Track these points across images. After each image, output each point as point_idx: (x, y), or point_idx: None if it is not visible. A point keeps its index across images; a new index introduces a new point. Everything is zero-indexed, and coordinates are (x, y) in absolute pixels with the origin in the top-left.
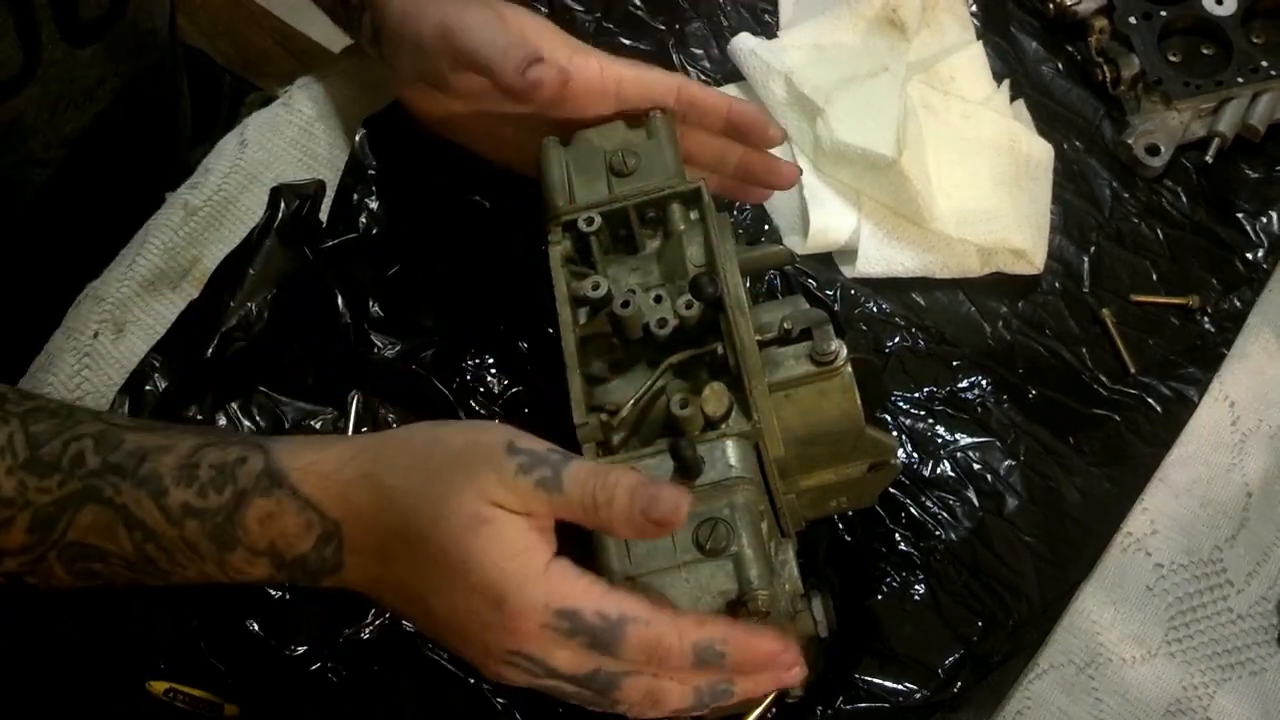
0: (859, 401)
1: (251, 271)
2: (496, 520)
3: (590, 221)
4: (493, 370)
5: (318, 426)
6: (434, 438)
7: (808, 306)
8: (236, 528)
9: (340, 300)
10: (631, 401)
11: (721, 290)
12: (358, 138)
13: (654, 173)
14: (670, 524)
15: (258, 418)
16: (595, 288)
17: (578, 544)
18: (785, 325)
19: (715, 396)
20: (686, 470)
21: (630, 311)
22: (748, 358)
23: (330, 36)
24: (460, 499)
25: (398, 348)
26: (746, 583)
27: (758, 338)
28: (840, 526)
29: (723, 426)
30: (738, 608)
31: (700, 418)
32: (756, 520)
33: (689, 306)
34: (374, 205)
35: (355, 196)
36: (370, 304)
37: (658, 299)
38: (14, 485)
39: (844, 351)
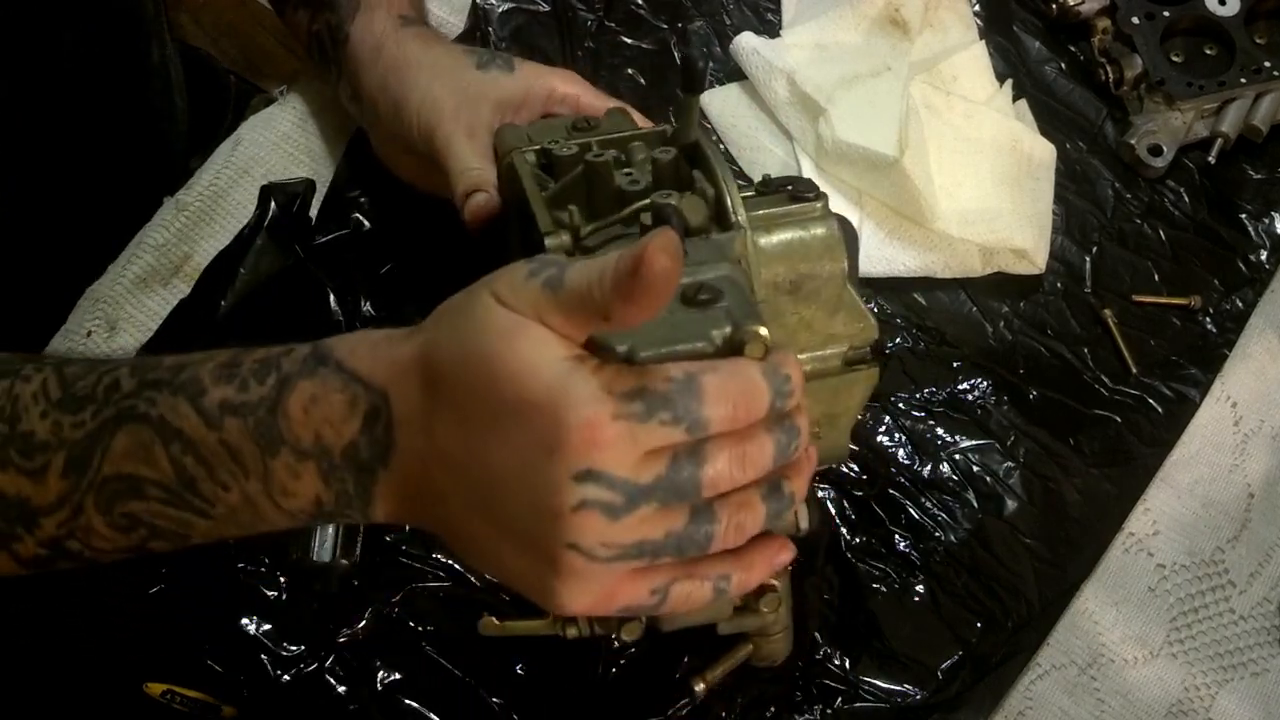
0: (839, 232)
1: (242, 270)
2: (521, 328)
3: (558, 144)
4: None
5: None
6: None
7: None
8: (279, 420)
9: (332, 298)
10: (601, 223)
11: (697, 137)
12: (353, 134)
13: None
14: (667, 268)
15: None
16: (565, 149)
17: None
18: (764, 177)
19: (692, 206)
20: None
21: (602, 158)
22: (728, 185)
23: None
24: (487, 317)
25: None
26: (744, 319)
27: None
28: (840, 526)
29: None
30: (738, 349)
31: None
32: (745, 284)
33: (664, 153)
34: (366, 202)
35: (348, 193)
36: (362, 301)
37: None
38: (48, 427)
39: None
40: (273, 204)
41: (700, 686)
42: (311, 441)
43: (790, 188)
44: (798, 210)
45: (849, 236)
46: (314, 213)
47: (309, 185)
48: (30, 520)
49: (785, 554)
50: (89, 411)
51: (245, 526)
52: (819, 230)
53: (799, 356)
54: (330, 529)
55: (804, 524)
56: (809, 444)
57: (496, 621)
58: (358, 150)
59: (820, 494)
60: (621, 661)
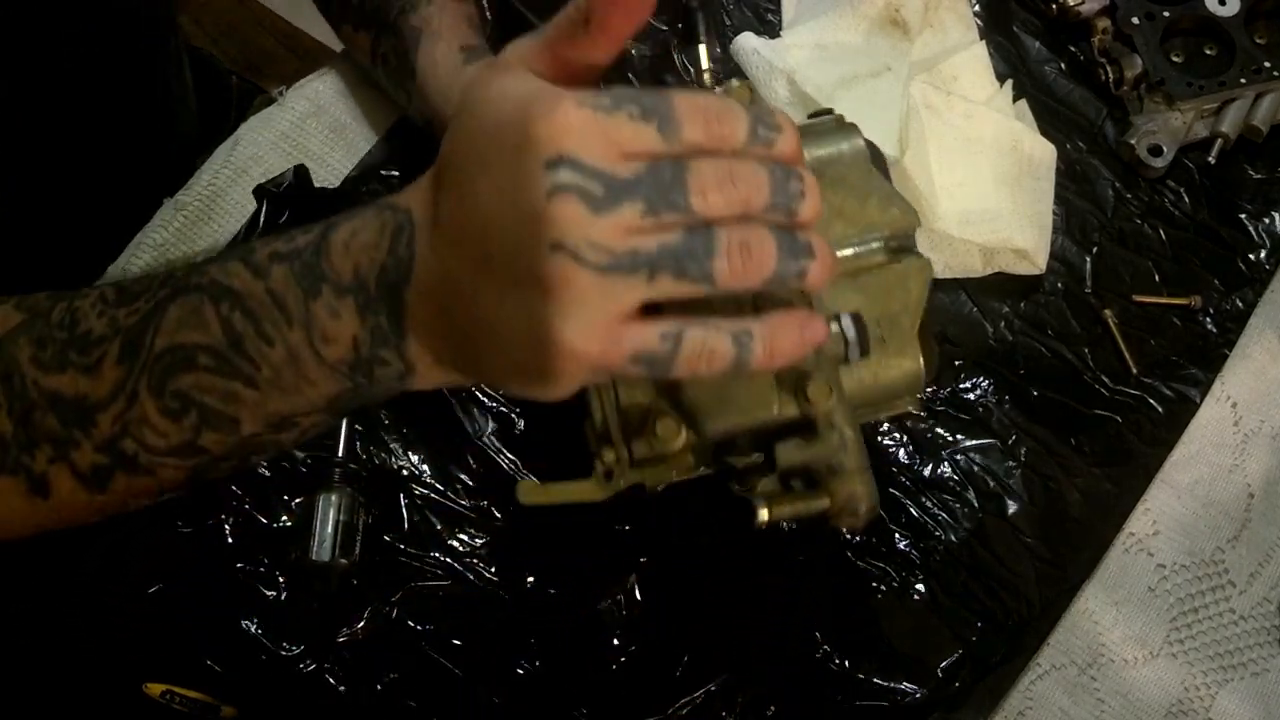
0: (849, 123)
1: None
2: (502, 72)
3: None
4: None
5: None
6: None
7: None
8: (322, 260)
9: None
10: None
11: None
12: (352, 134)
13: None
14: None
15: None
16: None
17: None
18: None
19: None
20: None
21: None
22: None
23: (333, 37)
24: (474, 89)
25: None
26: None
27: None
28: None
29: None
30: None
31: None
32: None
33: None
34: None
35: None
36: None
37: None
38: (105, 323)
39: None
40: (265, 204)
41: (764, 514)
42: (350, 275)
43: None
44: (809, 124)
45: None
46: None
47: (298, 170)
48: (87, 420)
49: (815, 325)
50: (144, 299)
51: (289, 392)
52: (828, 119)
53: (840, 252)
54: (330, 528)
55: (854, 356)
56: (819, 202)
57: (536, 483)
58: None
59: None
60: (622, 659)
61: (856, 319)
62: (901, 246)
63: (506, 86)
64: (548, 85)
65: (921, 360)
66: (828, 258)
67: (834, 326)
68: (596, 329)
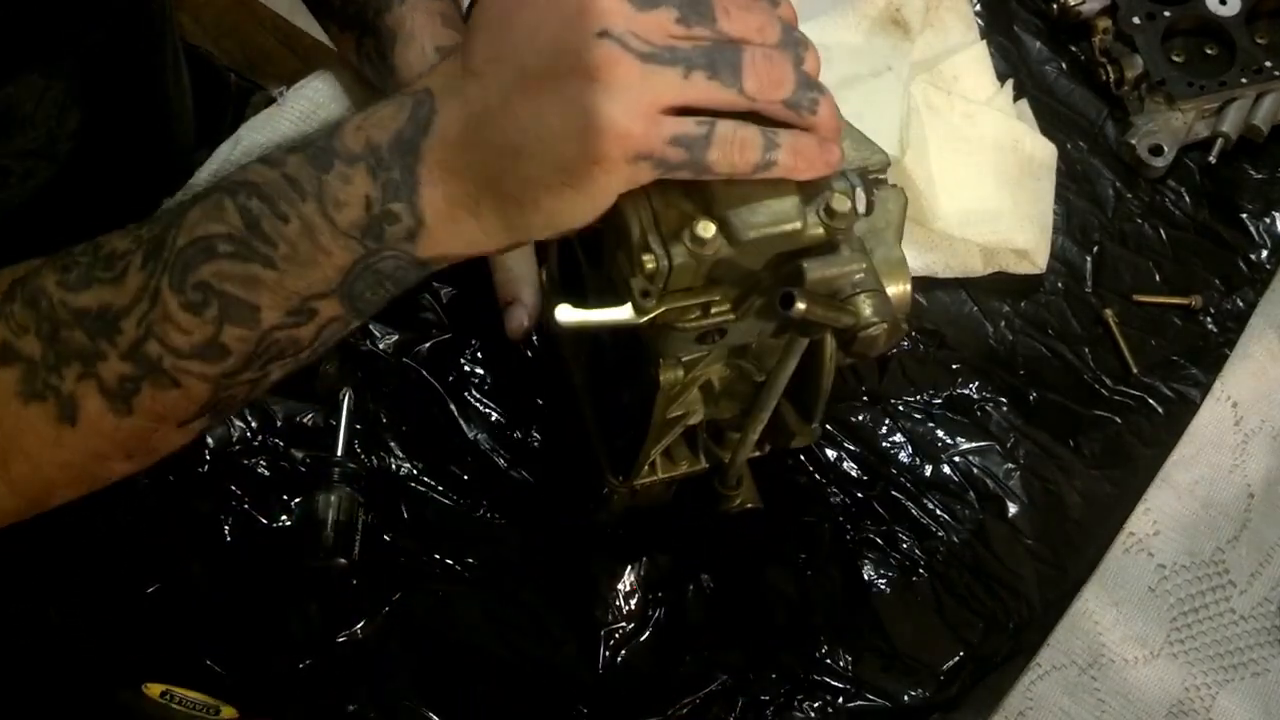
0: None
1: None
2: None
3: None
4: (491, 367)
5: (308, 423)
6: None
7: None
8: (334, 140)
9: None
10: None
11: None
12: None
13: None
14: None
15: (248, 415)
16: None
17: None
18: None
19: None
20: None
21: None
22: None
23: None
24: None
25: (394, 338)
26: None
27: None
28: (843, 523)
29: None
30: None
31: None
32: None
33: None
34: None
35: None
36: None
37: None
38: (129, 240)
39: None
40: None
41: (801, 305)
42: (362, 146)
43: None
44: None
45: None
46: None
47: None
48: (112, 328)
49: (832, 148)
50: (166, 217)
51: (306, 266)
52: None
53: None
54: (329, 528)
55: (861, 209)
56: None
57: (572, 308)
58: None
59: (826, 495)
60: (622, 659)
61: (860, 173)
62: (877, 181)
63: None
64: None
65: (909, 277)
66: (831, 101)
67: (841, 181)
68: (641, 108)
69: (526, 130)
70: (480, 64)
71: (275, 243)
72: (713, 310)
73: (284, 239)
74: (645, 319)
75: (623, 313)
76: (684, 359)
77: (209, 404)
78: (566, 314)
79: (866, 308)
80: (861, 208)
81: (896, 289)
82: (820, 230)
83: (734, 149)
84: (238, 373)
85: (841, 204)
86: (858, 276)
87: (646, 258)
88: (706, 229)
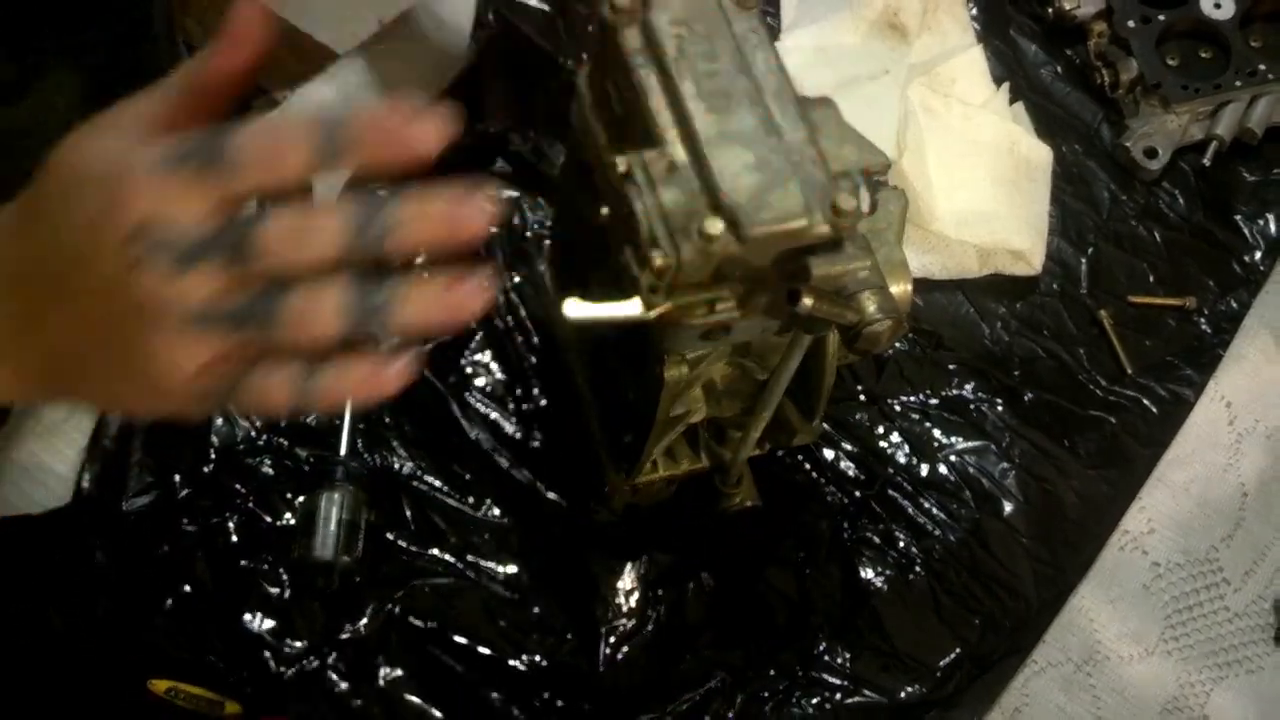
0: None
1: None
2: (94, 127)
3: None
4: (490, 367)
5: (311, 422)
6: None
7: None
8: None
9: None
10: None
11: None
12: None
13: None
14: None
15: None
16: None
17: None
18: None
19: None
20: None
21: None
22: None
23: (337, 39)
24: (66, 143)
25: (396, 339)
26: None
27: None
28: (841, 522)
29: None
30: None
31: None
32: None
33: None
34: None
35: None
36: None
37: None
38: None
39: None
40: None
41: (808, 301)
42: None
43: None
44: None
45: None
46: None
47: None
48: None
49: (386, 376)
50: None
51: None
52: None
53: None
54: (333, 526)
55: (885, 322)
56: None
57: (581, 303)
58: None
59: (824, 494)
60: (622, 658)
61: (864, 173)
62: (878, 182)
63: (96, 140)
64: (125, 150)
65: (910, 277)
66: (423, 299)
67: (846, 181)
68: (183, 373)
69: (87, 363)
70: (27, 253)
71: None
72: (719, 306)
73: None
74: (653, 314)
75: (631, 307)
76: (688, 356)
77: None
78: (575, 308)
79: (871, 304)
80: (866, 206)
81: (898, 289)
82: (826, 228)
83: (268, 390)
84: None
85: (847, 202)
86: (862, 274)
87: (655, 253)
88: (714, 225)
